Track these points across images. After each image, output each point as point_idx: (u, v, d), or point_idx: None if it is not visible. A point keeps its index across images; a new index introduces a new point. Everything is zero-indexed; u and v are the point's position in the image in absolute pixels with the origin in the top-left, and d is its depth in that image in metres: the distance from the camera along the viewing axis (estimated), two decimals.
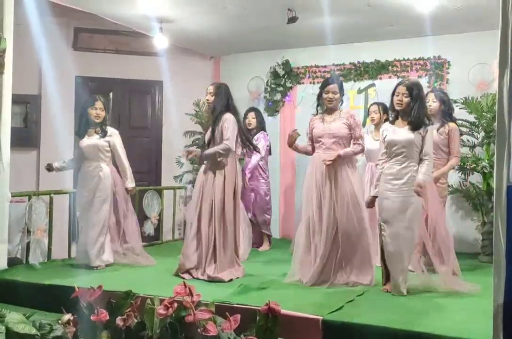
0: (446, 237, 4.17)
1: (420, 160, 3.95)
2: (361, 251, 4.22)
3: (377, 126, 5.35)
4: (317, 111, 4.48)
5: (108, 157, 4.97)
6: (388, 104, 5.41)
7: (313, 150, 4.45)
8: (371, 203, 4.18)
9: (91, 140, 4.91)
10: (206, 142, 4.65)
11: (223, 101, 4.56)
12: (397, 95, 3.97)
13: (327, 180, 4.24)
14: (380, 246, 4.08)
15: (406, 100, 3.94)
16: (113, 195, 4.94)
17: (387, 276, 4.03)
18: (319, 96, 4.41)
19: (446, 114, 4.83)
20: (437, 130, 4.70)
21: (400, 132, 3.96)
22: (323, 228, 4.20)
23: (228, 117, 4.51)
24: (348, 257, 4.20)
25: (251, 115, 6.12)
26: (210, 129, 4.61)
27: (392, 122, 4.09)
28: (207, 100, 4.63)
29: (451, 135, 4.76)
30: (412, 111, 3.93)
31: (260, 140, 5.98)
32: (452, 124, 4.84)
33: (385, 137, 4.05)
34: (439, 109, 4.80)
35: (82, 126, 4.97)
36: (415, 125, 3.93)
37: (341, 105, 4.50)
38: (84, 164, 4.96)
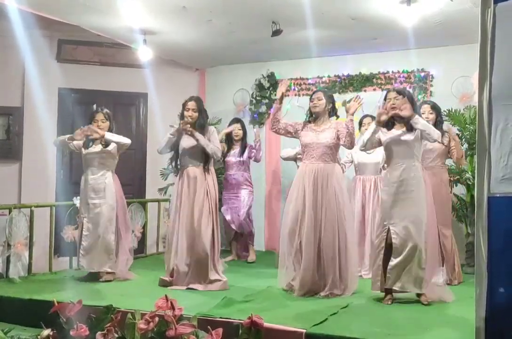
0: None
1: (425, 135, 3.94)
2: (343, 264, 4.22)
3: None
4: (308, 119, 4.52)
5: (113, 165, 4.99)
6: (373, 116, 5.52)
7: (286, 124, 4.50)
8: None
9: (95, 148, 4.94)
10: (185, 147, 4.65)
11: (206, 116, 4.77)
12: (389, 101, 4.02)
13: (313, 191, 4.25)
14: (381, 252, 4.02)
15: (398, 102, 3.97)
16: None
17: (387, 288, 4.00)
18: (309, 107, 4.50)
19: (441, 124, 4.88)
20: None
21: (398, 134, 4.01)
22: (307, 237, 4.21)
23: (212, 129, 4.76)
24: (329, 269, 4.19)
25: (237, 126, 6.14)
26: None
27: (390, 128, 4.08)
28: (190, 116, 4.63)
29: (455, 140, 4.93)
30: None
31: (253, 151, 6.06)
32: (451, 131, 5.00)
33: (382, 140, 4.10)
34: (436, 120, 4.83)
35: (88, 139, 4.97)
36: (411, 124, 3.95)
37: (336, 119, 4.53)
38: (87, 172, 4.94)
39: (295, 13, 5.11)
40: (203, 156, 4.62)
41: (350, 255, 4.27)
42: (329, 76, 6.86)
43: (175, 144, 4.71)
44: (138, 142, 7.36)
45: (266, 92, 7.11)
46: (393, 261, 3.94)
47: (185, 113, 4.66)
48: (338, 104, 6.67)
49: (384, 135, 4.09)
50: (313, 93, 4.54)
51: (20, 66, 6.62)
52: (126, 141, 4.99)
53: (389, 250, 3.99)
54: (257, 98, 7.18)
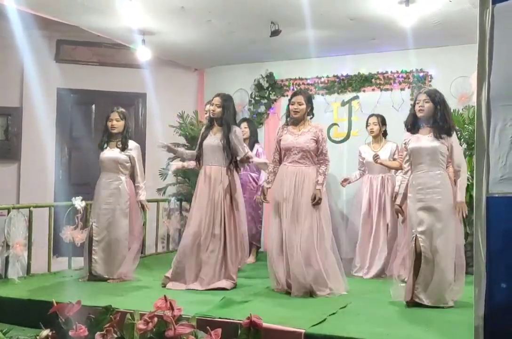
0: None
1: (455, 172, 3.94)
2: (327, 264, 4.27)
3: (376, 138, 5.40)
4: (286, 122, 4.54)
5: (128, 170, 4.98)
6: (377, 115, 5.53)
7: (280, 160, 4.51)
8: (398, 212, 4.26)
9: (111, 152, 4.93)
10: (208, 146, 4.64)
11: (232, 114, 4.67)
12: (418, 103, 3.95)
13: (294, 194, 4.30)
14: (412, 260, 3.93)
15: (427, 105, 3.91)
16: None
17: (413, 290, 3.91)
18: (288, 108, 4.48)
19: None
20: None
21: (424, 139, 3.94)
22: (288, 238, 4.25)
23: (239, 130, 4.69)
24: (307, 269, 4.21)
25: (244, 125, 6.14)
26: (218, 137, 4.61)
27: (415, 132, 4.02)
28: (213, 110, 4.62)
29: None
30: (435, 116, 3.90)
31: (260, 155, 6.04)
32: None
33: (407, 146, 4.02)
34: None
35: (103, 139, 5.00)
36: (440, 131, 3.89)
37: (310, 118, 4.54)
38: (102, 175, 4.95)
39: (294, 14, 5.11)
40: (223, 156, 4.59)
41: (329, 256, 4.32)
42: (328, 76, 6.86)
43: (200, 142, 4.70)
44: (137, 142, 7.33)
45: (265, 92, 7.11)
46: (422, 271, 3.87)
47: (210, 107, 4.68)
48: (336, 104, 6.78)
49: (411, 142, 4.00)
50: (293, 95, 4.47)
51: (19, 66, 6.63)
52: (140, 183, 5.00)
53: (418, 258, 3.90)
54: (256, 98, 7.17)
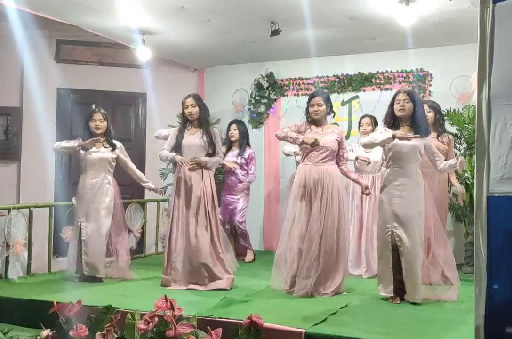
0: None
1: (436, 161, 4.10)
2: (338, 262, 4.29)
3: None
4: (308, 120, 4.53)
5: (113, 169, 5.00)
6: (376, 116, 5.53)
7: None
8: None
9: (99, 152, 4.91)
10: (185, 146, 4.64)
11: (207, 112, 4.74)
12: (398, 102, 3.99)
13: (319, 192, 4.29)
14: (389, 258, 4.01)
15: (408, 105, 3.96)
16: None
17: (397, 287, 4.00)
18: (307, 110, 4.48)
19: (441, 123, 4.90)
20: (437, 138, 4.84)
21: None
22: (310, 238, 4.24)
23: (217, 132, 4.79)
24: (327, 268, 4.24)
25: (233, 127, 6.11)
26: (198, 136, 4.63)
27: (395, 130, 4.03)
28: (189, 112, 4.63)
29: (450, 144, 4.96)
30: (414, 116, 3.97)
31: (252, 159, 6.03)
32: (450, 135, 5.07)
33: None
34: (435, 118, 4.85)
35: (86, 139, 4.93)
36: (421, 130, 3.95)
37: (333, 117, 4.64)
38: (87, 175, 4.90)
39: (294, 13, 5.11)
40: (201, 156, 4.63)
41: (344, 257, 4.36)
42: (328, 76, 6.86)
43: (176, 143, 4.70)
44: (137, 142, 7.36)
45: (265, 92, 7.11)
46: (405, 269, 3.94)
47: (185, 111, 4.68)
48: (336, 104, 6.78)
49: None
50: (312, 97, 4.46)
51: (19, 66, 6.63)
52: (143, 177, 5.10)
53: (396, 252, 3.97)
54: (256, 98, 7.17)
